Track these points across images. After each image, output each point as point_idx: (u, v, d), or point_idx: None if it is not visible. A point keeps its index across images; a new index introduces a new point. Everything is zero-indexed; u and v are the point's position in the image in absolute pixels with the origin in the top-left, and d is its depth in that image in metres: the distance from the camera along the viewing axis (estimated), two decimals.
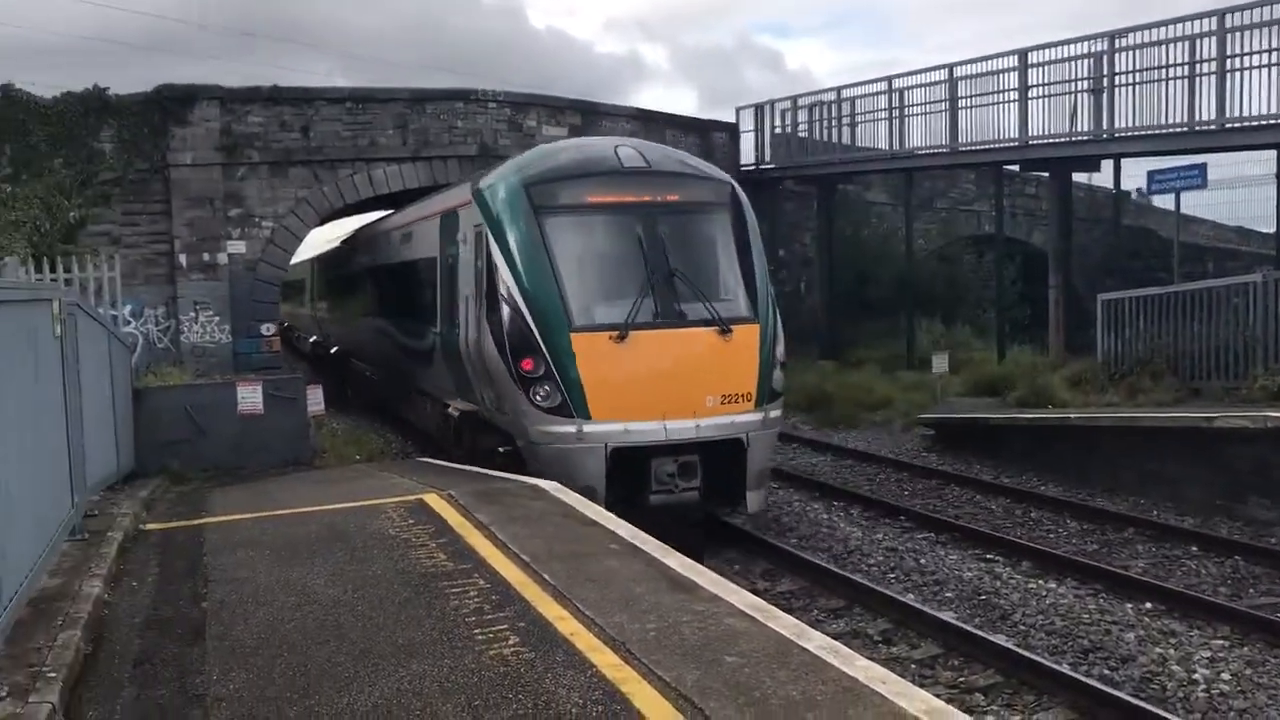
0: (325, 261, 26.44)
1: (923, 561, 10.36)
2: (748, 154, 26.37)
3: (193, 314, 19.46)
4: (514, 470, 10.92)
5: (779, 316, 11.25)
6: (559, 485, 9.60)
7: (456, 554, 7.25)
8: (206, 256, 19.54)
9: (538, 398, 10.30)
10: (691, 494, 10.44)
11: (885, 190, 27.97)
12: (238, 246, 19.71)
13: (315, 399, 13.47)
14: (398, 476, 11.33)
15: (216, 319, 19.58)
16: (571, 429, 10.24)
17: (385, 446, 16.54)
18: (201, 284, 19.51)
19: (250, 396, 13.02)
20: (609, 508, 9.71)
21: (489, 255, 10.91)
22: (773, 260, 26.66)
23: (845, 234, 26.22)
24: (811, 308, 26.36)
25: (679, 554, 7.00)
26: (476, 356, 11.41)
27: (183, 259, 19.41)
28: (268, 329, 19.97)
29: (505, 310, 10.57)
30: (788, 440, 17.42)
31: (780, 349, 11.13)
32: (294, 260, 22.09)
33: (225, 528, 8.64)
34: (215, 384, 14.05)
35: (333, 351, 24.16)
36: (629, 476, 10.36)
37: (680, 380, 10.38)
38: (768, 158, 26.22)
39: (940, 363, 18.31)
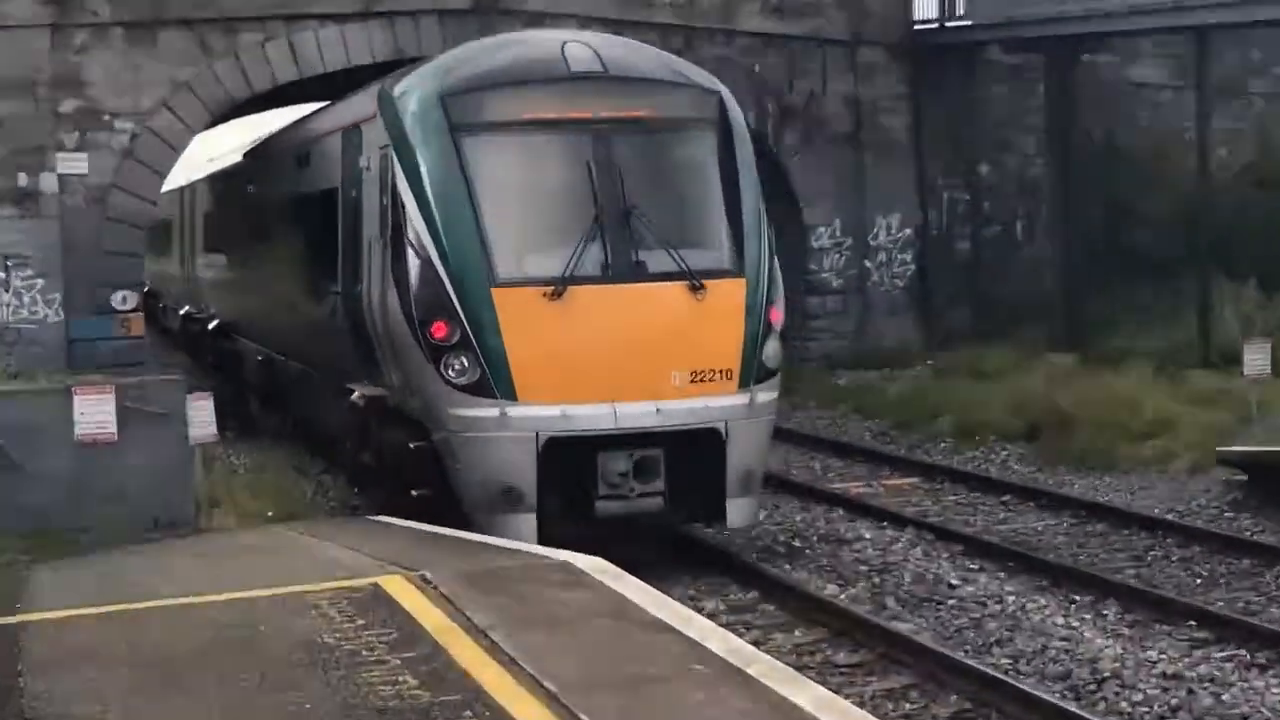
0: (204, 191, 27.05)
1: (1226, 698, 10.24)
2: (927, 2, 26.31)
3: (1, 275, 19.78)
4: (426, 472, 13.09)
5: (776, 269, 13.44)
6: (603, 564, 9.79)
7: (437, 678, 7.28)
8: (23, 180, 19.85)
9: (451, 372, 12.48)
10: (652, 500, 12.66)
11: (1161, 63, 27.57)
12: (75, 164, 20.00)
13: (202, 417, 13.71)
14: (338, 547, 11.46)
15: (40, 283, 19.86)
16: (493, 413, 12.40)
17: (316, 495, 16.67)
18: (15, 225, 19.79)
19: (96, 413, 13.15)
20: (541, 519, 12.37)
21: (394, 187, 13.10)
22: (969, 182, 26.76)
23: (1093, 138, 25.91)
24: (1034, 262, 26.13)
25: (810, 682, 7.01)
26: (381, 321, 13.60)
27: None
28: (125, 300, 20.22)
29: (412, 259, 12.75)
30: (995, 492, 17.29)
31: (777, 312, 13.26)
32: (166, 188, 22.63)
33: (57, 630, 8.73)
34: (38, 391, 14.19)
35: (211, 327, 25.13)
36: (569, 477, 12.54)
37: (637, 351, 12.63)
38: (959, 9, 26.11)
39: (1257, 358, 18.03)
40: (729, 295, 12.89)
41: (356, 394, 14.70)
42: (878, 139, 25.83)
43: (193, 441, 13.64)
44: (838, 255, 25.61)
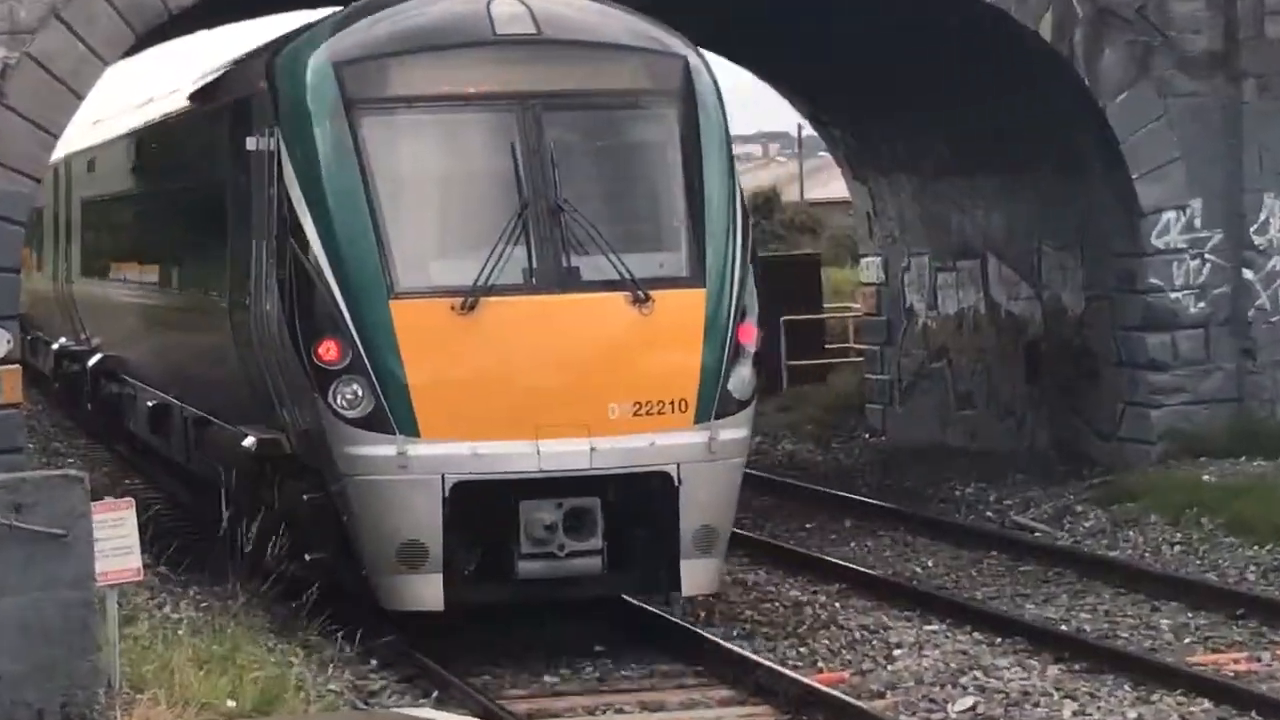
0: (83, 169, 29.89)
1: None
2: None
3: None
4: (325, 531, 16.10)
5: (750, 278, 16.46)
6: None
7: None
8: None
9: (341, 402, 15.59)
10: (587, 561, 15.85)
11: None
12: None
13: (118, 538, 13.90)
14: None
15: None
16: (389, 451, 15.62)
17: (308, 668, 16.42)
18: None
19: None
20: (449, 581, 15.38)
21: (280, 176, 16.13)
22: None
23: None
24: None
25: None
26: (268, 341, 16.76)
27: None
28: None
29: (297, 266, 15.66)
30: None
31: (749, 330, 16.30)
32: (56, 156, 23.96)
33: None
34: None
35: (91, 365, 27.89)
36: (485, 530, 15.78)
37: (567, 376, 15.90)
38: None
39: None
40: (684, 309, 16.19)
41: (249, 439, 17.91)
42: (1269, 64, 24.56)
43: (102, 580, 13.51)
44: (1198, 262, 24.79)
